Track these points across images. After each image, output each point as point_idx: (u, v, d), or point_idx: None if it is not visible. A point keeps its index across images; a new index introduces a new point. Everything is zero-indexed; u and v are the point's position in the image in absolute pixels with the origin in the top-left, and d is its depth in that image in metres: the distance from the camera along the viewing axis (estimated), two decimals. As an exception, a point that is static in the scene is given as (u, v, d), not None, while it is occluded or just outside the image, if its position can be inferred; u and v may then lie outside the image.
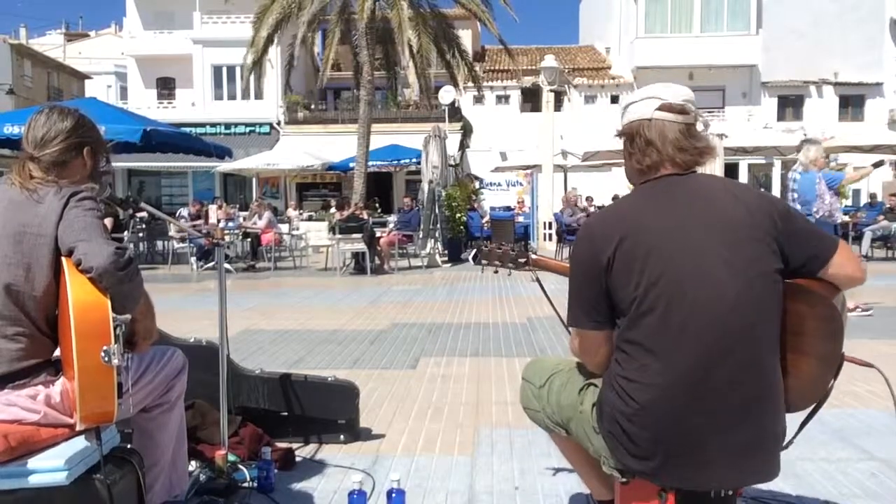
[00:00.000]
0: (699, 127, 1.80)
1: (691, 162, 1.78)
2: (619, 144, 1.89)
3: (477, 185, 21.27)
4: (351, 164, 19.13)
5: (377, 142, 19.64)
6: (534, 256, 2.38)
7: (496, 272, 2.42)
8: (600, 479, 2.10)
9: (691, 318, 1.62)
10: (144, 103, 28.03)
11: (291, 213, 20.07)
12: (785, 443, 1.75)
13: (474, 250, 2.41)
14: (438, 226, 13.12)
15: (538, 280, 2.42)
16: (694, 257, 1.65)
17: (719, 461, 1.64)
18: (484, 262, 2.40)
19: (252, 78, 19.87)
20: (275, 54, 19.41)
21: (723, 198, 1.72)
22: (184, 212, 15.29)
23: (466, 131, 26.04)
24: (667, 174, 1.77)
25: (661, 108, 1.77)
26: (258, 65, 18.92)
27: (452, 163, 17.83)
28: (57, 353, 1.98)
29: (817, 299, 1.71)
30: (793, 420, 1.88)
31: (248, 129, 28.03)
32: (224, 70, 28.48)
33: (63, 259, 1.86)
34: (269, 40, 18.50)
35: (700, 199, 1.72)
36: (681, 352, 1.62)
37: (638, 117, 1.79)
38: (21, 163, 2.00)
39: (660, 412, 1.64)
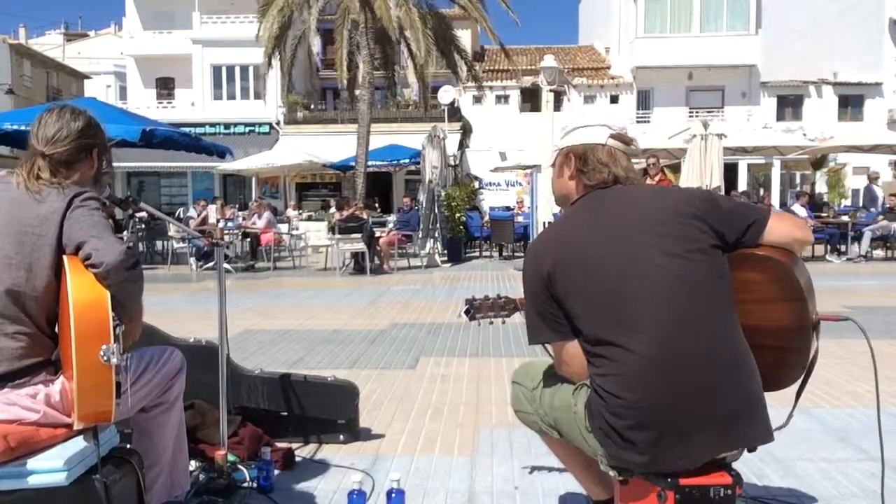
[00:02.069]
0: (637, 156, 2.05)
1: (623, 180, 1.94)
2: (634, 140, 2.04)
3: (476, 184, 21.26)
4: (350, 164, 19.13)
5: (377, 142, 19.63)
6: (519, 299, 2.43)
7: (491, 323, 2.50)
8: (595, 480, 2.12)
9: (643, 308, 1.71)
10: (144, 103, 28.02)
11: (291, 212, 20.07)
12: (783, 422, 1.77)
13: (467, 307, 2.47)
14: (438, 226, 13.12)
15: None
16: (628, 253, 1.76)
17: (706, 432, 1.67)
18: (478, 315, 2.48)
19: (252, 78, 19.86)
20: (280, 55, 19.37)
21: (645, 198, 1.89)
22: (192, 212, 15.28)
23: (466, 131, 26.03)
24: (593, 190, 1.93)
25: (613, 137, 1.96)
26: (270, 65, 18.88)
27: (452, 163, 17.83)
28: (56, 352, 1.98)
29: (766, 262, 1.80)
30: (788, 399, 1.88)
31: (247, 129, 28.03)
32: (223, 70, 28.48)
33: (64, 258, 1.86)
34: (277, 40, 18.47)
35: (625, 203, 1.87)
36: (640, 338, 1.69)
37: (592, 141, 1.97)
38: (31, 160, 1.99)
39: (638, 400, 1.68)
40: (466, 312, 2.47)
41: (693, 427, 1.67)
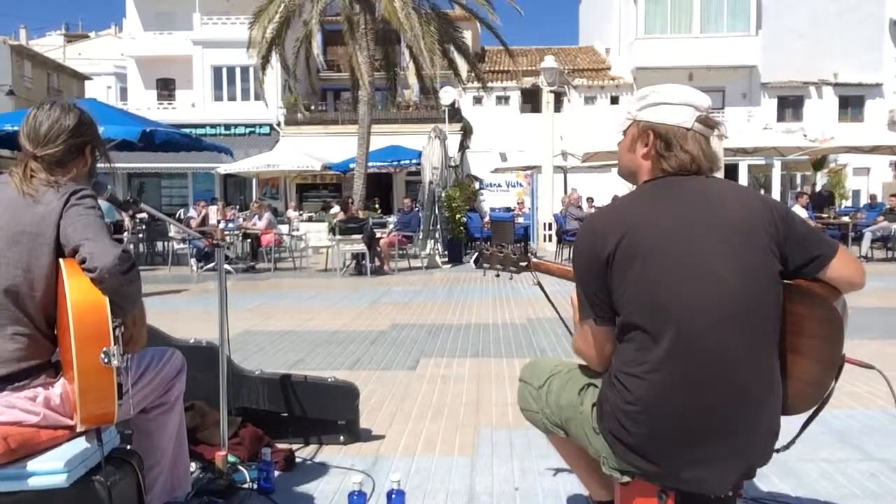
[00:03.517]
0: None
1: (711, 171, 1.80)
2: (704, 129, 1.83)
3: (477, 185, 21.26)
4: (351, 165, 19.13)
5: (377, 142, 19.63)
6: (534, 259, 2.38)
7: (497, 275, 2.42)
8: (599, 480, 2.10)
9: (690, 316, 1.63)
10: (144, 104, 28.03)
11: (291, 213, 20.06)
12: (785, 444, 1.75)
13: (476, 253, 2.41)
14: (438, 227, 13.12)
15: (539, 284, 2.42)
16: (693, 257, 1.66)
17: (720, 461, 1.64)
18: (486, 265, 2.41)
19: (253, 79, 19.84)
20: (275, 55, 19.37)
21: (724, 199, 1.74)
22: (192, 213, 15.30)
23: (466, 132, 26.03)
24: (670, 174, 1.78)
25: (699, 121, 1.78)
26: (265, 68, 18.88)
27: (452, 164, 17.81)
28: (56, 353, 1.98)
29: (817, 301, 1.72)
30: (794, 422, 1.88)
31: (247, 130, 28.03)
32: (224, 71, 28.49)
33: (61, 261, 1.85)
34: (272, 42, 18.47)
35: (701, 199, 1.74)
36: (679, 349, 1.63)
37: (677, 123, 1.78)
38: (24, 162, 1.97)
39: (659, 408, 1.64)
40: (475, 260, 2.42)
41: (708, 450, 1.63)
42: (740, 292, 1.63)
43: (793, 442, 1.87)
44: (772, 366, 1.69)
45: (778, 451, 1.78)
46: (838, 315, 1.72)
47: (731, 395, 1.62)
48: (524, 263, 2.38)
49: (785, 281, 1.72)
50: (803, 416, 1.87)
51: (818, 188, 24.29)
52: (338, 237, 11.29)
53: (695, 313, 1.63)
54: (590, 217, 1.96)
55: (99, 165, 2.15)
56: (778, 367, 1.71)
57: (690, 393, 1.62)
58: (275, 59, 19.07)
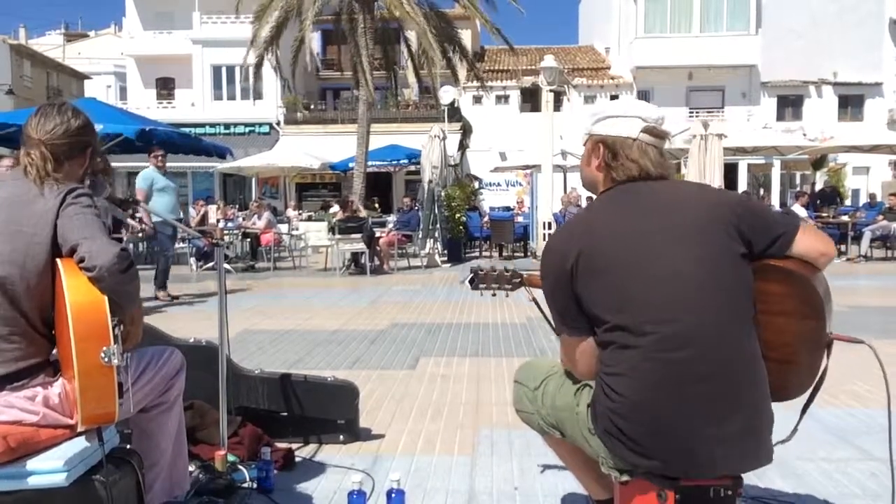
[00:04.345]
0: (666, 146, 1.93)
1: (657, 177, 1.86)
2: (669, 134, 1.96)
3: (476, 185, 21.25)
4: (350, 165, 19.12)
5: (377, 142, 19.63)
6: (527, 275, 2.40)
7: (494, 295, 2.46)
8: (597, 480, 2.11)
9: (661, 312, 1.67)
10: (144, 103, 28.02)
11: (291, 213, 20.06)
12: (776, 433, 1.75)
13: (471, 275, 2.43)
14: (438, 226, 13.11)
15: (534, 300, 2.41)
16: (655, 257, 1.71)
17: (717, 448, 1.65)
18: (481, 285, 2.45)
19: (252, 78, 19.85)
20: (279, 53, 19.37)
21: (678, 197, 1.81)
22: (192, 212, 15.29)
23: (466, 131, 26.04)
24: (632, 179, 1.85)
25: (644, 131, 1.86)
26: (261, 67, 18.91)
27: (452, 163, 17.80)
28: (54, 352, 1.98)
29: (792, 277, 1.76)
30: (793, 411, 1.88)
31: (247, 130, 28.03)
32: (224, 70, 28.47)
33: (58, 261, 1.85)
34: (271, 41, 18.48)
35: (656, 202, 1.80)
36: (657, 342, 1.66)
37: (624, 134, 1.86)
38: (36, 148, 1.98)
39: (649, 404, 1.66)
40: (471, 281, 2.44)
41: (701, 438, 1.64)
42: (705, 281, 1.68)
43: (794, 431, 1.88)
44: (751, 348, 1.71)
45: (780, 443, 1.79)
46: (815, 290, 1.75)
47: (715, 381, 1.65)
48: (517, 280, 2.43)
49: (759, 262, 1.76)
50: (800, 406, 1.87)
51: (819, 186, 24.29)
52: (337, 236, 11.29)
53: (667, 309, 1.67)
54: (554, 233, 2.08)
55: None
56: (758, 348, 1.72)
57: (674, 384, 1.65)
58: (269, 59, 19.06)
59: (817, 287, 1.76)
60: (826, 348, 1.78)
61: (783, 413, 1.78)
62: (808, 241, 1.79)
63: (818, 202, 17.98)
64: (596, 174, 1.93)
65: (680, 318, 1.66)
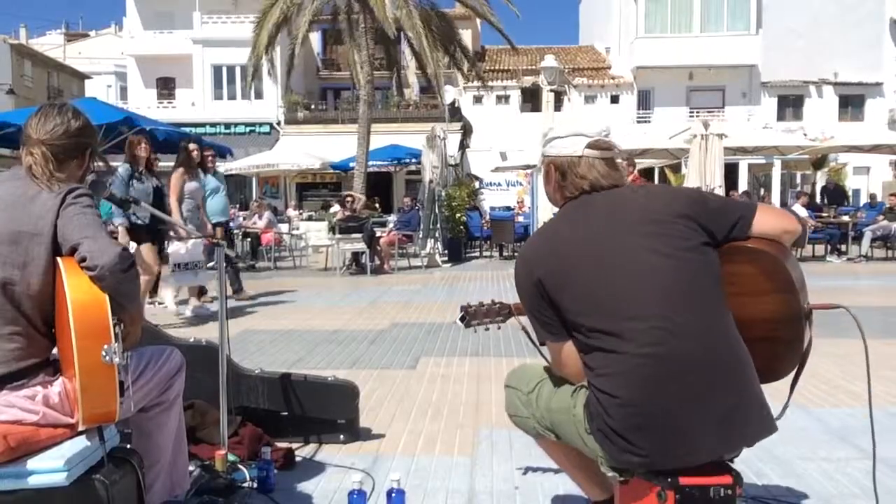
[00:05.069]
0: (618, 159, 1.99)
1: (611, 187, 1.94)
2: (615, 145, 2.03)
3: (477, 184, 21.25)
4: (351, 164, 19.12)
5: (377, 142, 19.63)
6: (514, 305, 2.43)
7: (487, 329, 2.49)
8: (593, 480, 2.12)
9: (635, 307, 1.71)
10: (144, 103, 28.04)
11: (291, 212, 20.06)
12: (772, 407, 1.77)
13: (461, 313, 2.47)
14: (438, 226, 13.12)
15: (524, 329, 2.41)
16: (619, 257, 1.77)
17: (706, 432, 1.67)
18: (474, 322, 2.48)
19: (254, 80, 19.86)
20: (275, 55, 19.38)
21: (634, 199, 1.89)
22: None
23: (466, 131, 26.03)
24: (585, 192, 1.93)
25: (589, 146, 1.94)
26: (258, 69, 18.93)
27: (452, 163, 17.82)
28: (54, 352, 1.98)
29: (756, 254, 1.81)
30: (780, 391, 1.88)
31: (248, 129, 28.04)
32: (224, 70, 28.49)
33: (59, 259, 1.86)
34: (269, 43, 18.50)
35: (616, 205, 1.88)
36: (634, 338, 1.70)
37: (568, 154, 1.96)
38: (37, 147, 1.98)
39: (635, 399, 1.69)
40: (462, 319, 2.48)
41: (692, 426, 1.67)
42: (670, 273, 1.73)
43: (786, 406, 1.92)
44: (728, 331, 1.75)
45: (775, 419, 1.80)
46: (782, 264, 1.79)
47: (697, 368, 1.67)
48: (506, 311, 2.49)
49: (724, 245, 1.82)
50: (788, 383, 1.90)
51: (823, 184, 24.23)
52: (338, 236, 11.29)
53: (640, 304, 1.71)
54: (522, 246, 2.16)
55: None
56: (735, 330, 1.76)
57: (660, 377, 1.67)
58: (275, 59, 19.07)
59: (785, 262, 1.79)
60: (806, 319, 1.81)
61: (773, 389, 1.79)
62: (769, 219, 1.84)
63: (823, 200, 17.92)
64: (553, 193, 2.04)
65: (652, 312, 1.70)
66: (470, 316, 2.48)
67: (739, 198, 15.23)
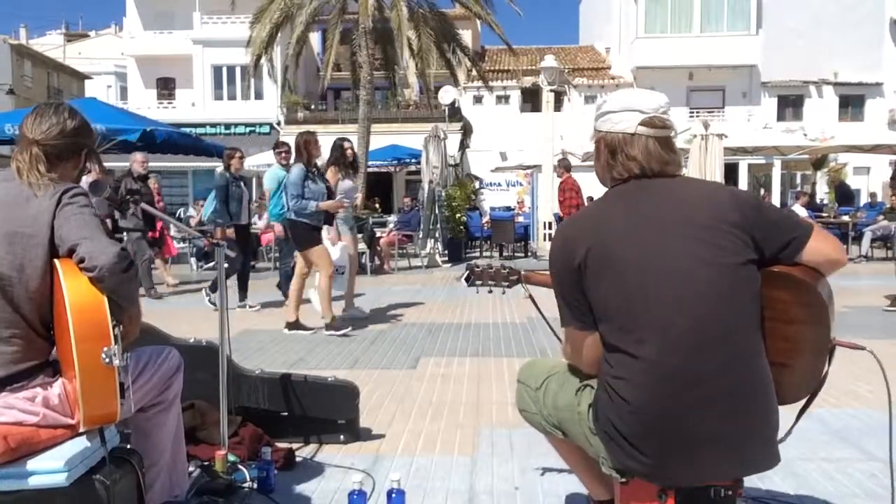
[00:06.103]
0: (673, 136, 1.86)
1: (668, 172, 1.82)
2: (672, 124, 1.90)
3: (477, 184, 21.24)
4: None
5: (377, 142, 19.62)
6: (524, 272, 2.39)
7: (490, 291, 2.45)
8: (598, 480, 2.10)
9: (669, 315, 1.65)
10: (144, 103, 28.01)
11: (292, 213, 19.99)
12: (781, 435, 1.75)
13: (466, 272, 2.43)
14: (438, 226, 13.11)
15: (531, 297, 2.42)
16: (662, 257, 1.69)
17: (715, 453, 1.64)
18: (477, 282, 2.44)
19: (253, 79, 19.85)
20: (274, 55, 19.37)
21: (691, 197, 1.77)
22: (192, 212, 15.29)
23: (466, 131, 25.98)
24: (635, 176, 1.81)
25: (643, 124, 1.80)
26: (257, 67, 18.93)
27: (452, 163, 17.80)
28: (54, 353, 1.98)
29: (799, 285, 1.73)
30: (791, 411, 1.88)
31: (248, 130, 28.01)
32: (224, 70, 28.45)
33: (56, 261, 1.85)
34: (268, 42, 18.49)
35: (669, 199, 1.77)
36: (662, 347, 1.64)
37: (620, 130, 1.83)
38: (28, 149, 1.97)
39: (649, 408, 1.65)
40: (467, 279, 2.44)
41: (700, 448, 1.63)
42: (711, 285, 1.65)
43: (789, 432, 1.87)
44: (756, 352, 1.69)
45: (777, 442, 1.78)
46: (821, 297, 1.72)
47: (717, 387, 1.63)
48: (514, 277, 2.42)
49: (765, 268, 1.73)
50: (798, 408, 1.87)
51: (822, 186, 24.26)
52: (338, 236, 11.26)
53: (673, 312, 1.65)
54: (563, 224, 2.00)
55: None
56: (763, 353, 1.71)
57: (679, 390, 1.63)
58: (275, 59, 19.07)
59: (822, 293, 1.73)
60: (828, 354, 1.76)
61: (782, 413, 1.77)
62: (819, 248, 1.75)
63: (840, 199, 18.11)
64: (601, 171, 1.92)
65: (685, 320, 1.64)
66: (475, 276, 2.43)
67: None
